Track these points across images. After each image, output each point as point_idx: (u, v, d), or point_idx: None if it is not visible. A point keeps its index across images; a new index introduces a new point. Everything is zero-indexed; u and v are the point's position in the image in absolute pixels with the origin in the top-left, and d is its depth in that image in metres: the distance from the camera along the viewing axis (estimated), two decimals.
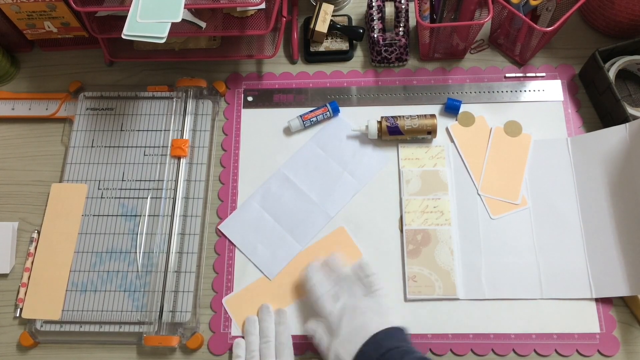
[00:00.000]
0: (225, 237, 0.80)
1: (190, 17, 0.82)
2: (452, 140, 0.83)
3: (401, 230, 0.79)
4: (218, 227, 0.81)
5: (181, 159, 0.83)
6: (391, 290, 0.76)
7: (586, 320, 0.73)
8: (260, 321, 0.74)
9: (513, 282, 0.75)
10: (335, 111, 0.85)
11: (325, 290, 0.71)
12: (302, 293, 0.76)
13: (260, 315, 0.75)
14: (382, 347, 0.62)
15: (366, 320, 0.66)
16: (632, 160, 0.74)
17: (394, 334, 0.65)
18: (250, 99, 0.88)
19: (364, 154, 0.83)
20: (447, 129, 0.84)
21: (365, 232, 0.79)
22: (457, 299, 0.75)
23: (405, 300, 0.75)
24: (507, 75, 0.87)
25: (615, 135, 0.77)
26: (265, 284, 0.78)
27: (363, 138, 0.84)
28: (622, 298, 0.74)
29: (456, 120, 0.84)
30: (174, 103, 0.86)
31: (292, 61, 0.91)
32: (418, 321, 0.74)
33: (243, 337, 0.74)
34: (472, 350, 0.73)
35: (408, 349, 0.63)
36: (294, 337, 0.74)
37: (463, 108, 0.85)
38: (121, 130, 0.86)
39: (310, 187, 0.82)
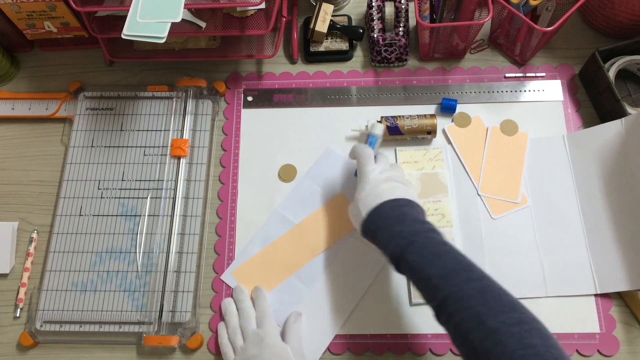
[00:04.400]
0: (225, 282, 0.79)
1: (190, 17, 0.82)
2: (450, 142, 0.83)
3: None
4: (220, 277, 0.78)
5: (181, 159, 0.83)
6: (396, 295, 0.76)
7: (586, 320, 0.73)
8: (237, 302, 0.75)
9: (518, 281, 0.75)
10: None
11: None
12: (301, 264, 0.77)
13: (235, 296, 0.76)
14: (399, 211, 0.64)
15: (398, 186, 0.67)
16: (629, 155, 0.74)
17: (415, 206, 0.66)
18: (250, 99, 0.88)
19: None
20: (443, 130, 0.84)
21: None
22: None
23: (411, 305, 0.75)
24: (507, 75, 0.87)
25: (611, 131, 0.77)
26: (267, 257, 0.78)
27: (362, 140, 0.84)
28: (622, 298, 0.74)
29: (452, 121, 0.84)
30: (174, 103, 0.86)
31: (292, 61, 0.91)
32: (419, 322, 0.74)
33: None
34: None
35: (420, 218, 0.64)
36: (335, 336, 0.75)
37: (461, 108, 0.85)
38: (121, 130, 0.86)
39: None
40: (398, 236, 0.62)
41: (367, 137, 0.77)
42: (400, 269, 0.62)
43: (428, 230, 0.62)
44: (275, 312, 0.75)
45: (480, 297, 0.55)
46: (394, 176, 0.69)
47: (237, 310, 0.75)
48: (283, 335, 0.72)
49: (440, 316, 0.58)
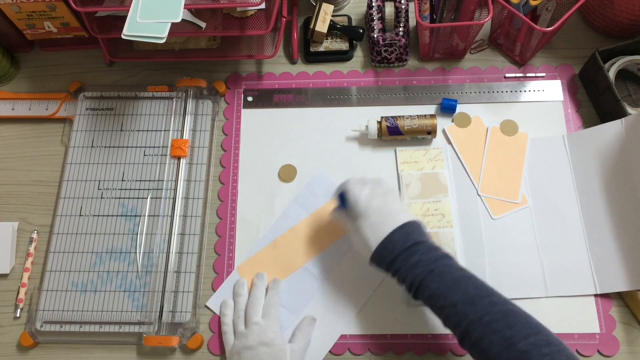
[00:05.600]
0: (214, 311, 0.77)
1: (190, 17, 0.82)
2: (450, 142, 0.83)
3: None
4: (206, 304, 0.77)
5: (181, 159, 0.83)
6: (396, 295, 0.76)
7: (586, 320, 0.73)
8: (253, 286, 0.76)
9: (518, 281, 0.75)
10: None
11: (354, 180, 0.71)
12: (310, 256, 0.77)
13: (253, 280, 0.76)
14: (409, 239, 0.64)
15: (396, 209, 0.67)
16: (629, 155, 0.75)
17: (419, 227, 0.66)
18: (250, 99, 0.88)
19: None
20: (443, 131, 0.84)
21: None
22: None
23: (410, 305, 0.75)
24: (507, 75, 0.87)
25: (611, 131, 0.77)
26: (272, 252, 0.79)
27: (362, 140, 0.84)
28: (622, 298, 0.74)
29: (452, 121, 0.84)
30: (174, 103, 0.86)
31: (292, 61, 0.91)
32: (419, 322, 0.74)
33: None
34: None
35: (432, 245, 0.64)
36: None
37: (461, 108, 0.85)
38: (121, 130, 0.86)
39: None
40: (416, 266, 0.62)
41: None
42: (418, 297, 0.63)
43: (443, 257, 0.63)
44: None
45: (506, 320, 0.56)
46: (384, 192, 0.69)
47: (250, 293, 0.75)
48: (293, 335, 0.73)
49: (465, 341, 0.58)
